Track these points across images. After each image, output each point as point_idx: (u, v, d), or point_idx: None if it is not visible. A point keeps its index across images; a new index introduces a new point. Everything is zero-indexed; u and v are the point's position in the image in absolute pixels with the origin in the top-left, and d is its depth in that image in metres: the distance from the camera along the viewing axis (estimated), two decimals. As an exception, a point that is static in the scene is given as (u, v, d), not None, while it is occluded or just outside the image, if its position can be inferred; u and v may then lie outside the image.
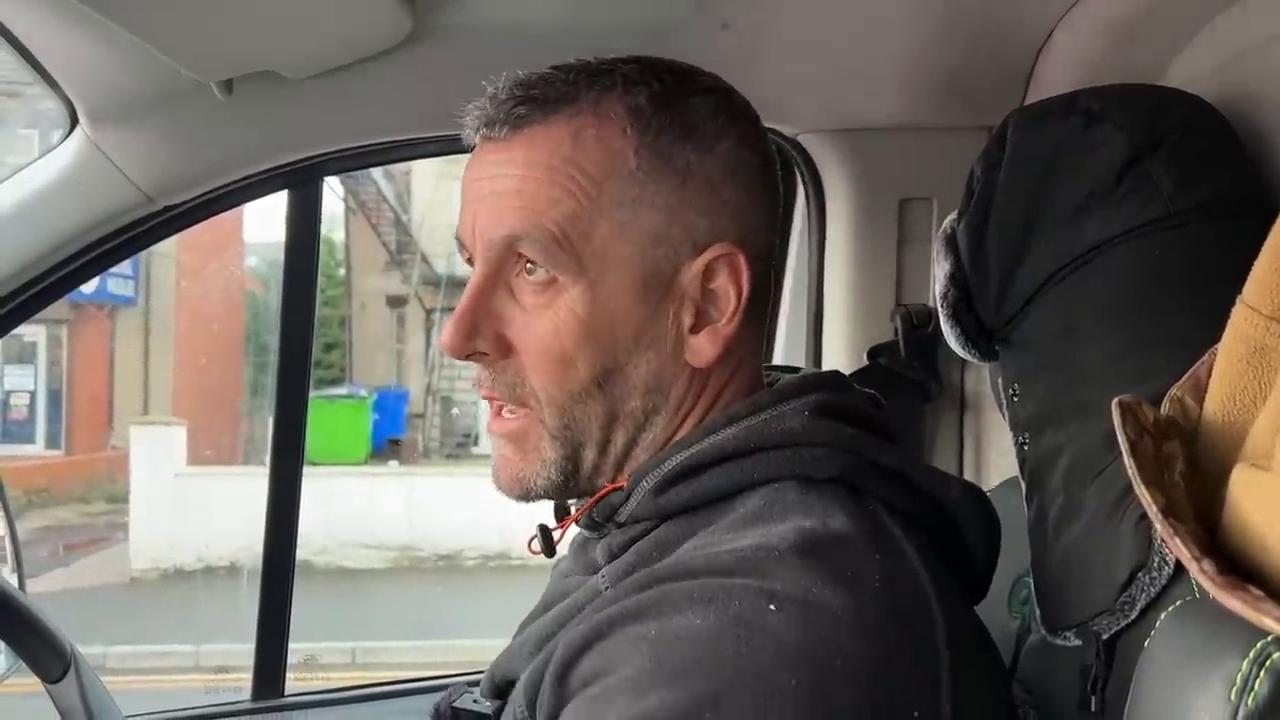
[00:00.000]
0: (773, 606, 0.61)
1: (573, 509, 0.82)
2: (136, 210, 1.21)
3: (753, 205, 0.77)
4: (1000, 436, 1.31)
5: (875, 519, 0.70)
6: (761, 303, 0.79)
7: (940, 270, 1.02)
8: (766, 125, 0.81)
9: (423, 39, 1.14)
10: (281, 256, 1.35)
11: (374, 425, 11.13)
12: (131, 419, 9.99)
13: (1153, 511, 0.65)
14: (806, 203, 1.44)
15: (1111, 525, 0.82)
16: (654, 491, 0.73)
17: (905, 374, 1.35)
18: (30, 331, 10.30)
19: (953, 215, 1.03)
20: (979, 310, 1.00)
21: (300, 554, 1.45)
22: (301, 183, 1.31)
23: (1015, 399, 0.97)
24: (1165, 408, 0.74)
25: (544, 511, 0.85)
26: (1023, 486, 0.97)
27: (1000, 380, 1.01)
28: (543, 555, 0.83)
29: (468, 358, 0.77)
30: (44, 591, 6.64)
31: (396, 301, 12.96)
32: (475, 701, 0.82)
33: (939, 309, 1.03)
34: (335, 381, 11.85)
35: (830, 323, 1.41)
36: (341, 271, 12.67)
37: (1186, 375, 0.75)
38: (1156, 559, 0.77)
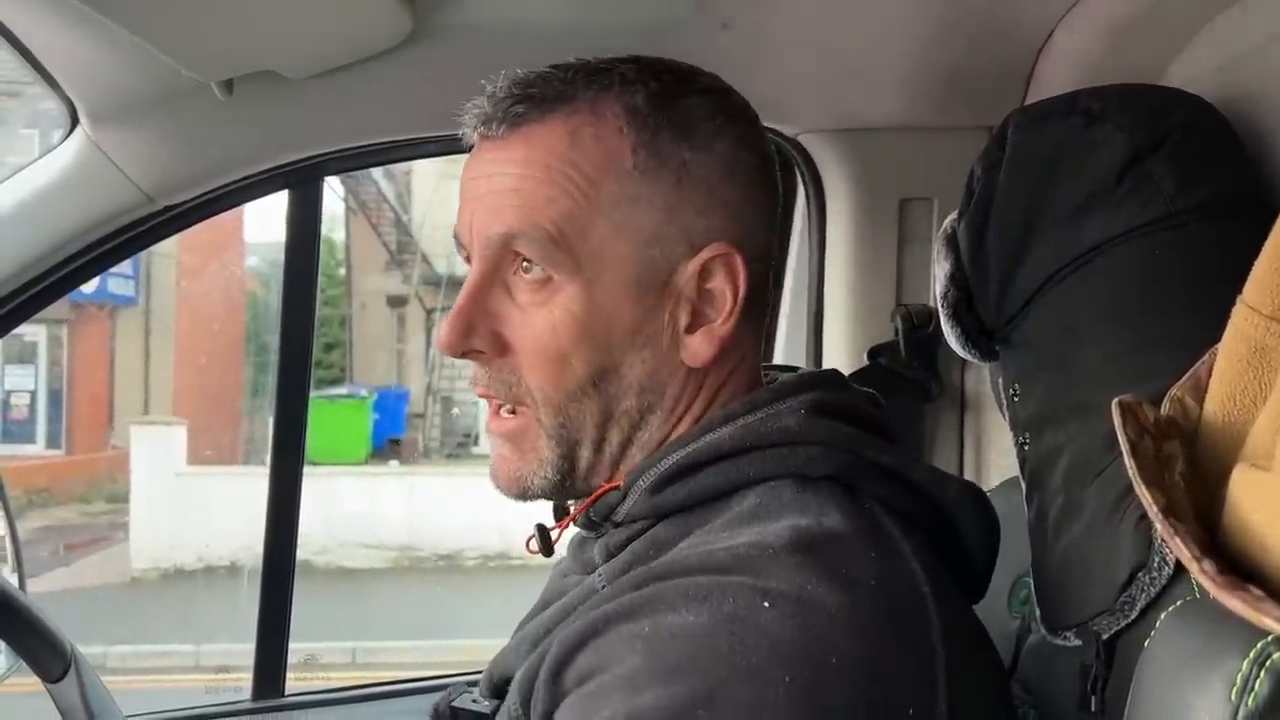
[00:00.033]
0: (767, 604, 0.61)
1: (571, 509, 0.82)
2: (137, 210, 1.21)
3: (750, 205, 0.77)
4: (1000, 436, 1.30)
5: (872, 517, 0.70)
6: (759, 303, 0.79)
7: (940, 270, 1.02)
8: (766, 125, 0.81)
9: (423, 39, 1.14)
10: (282, 256, 1.35)
11: (374, 425, 11.12)
12: (132, 419, 9.99)
13: (1153, 511, 0.65)
14: (807, 203, 1.43)
15: (1112, 525, 0.82)
16: (650, 491, 0.73)
17: (905, 374, 1.35)
18: (31, 331, 10.30)
19: (953, 215, 1.03)
20: (979, 310, 1.00)
21: (300, 554, 1.45)
22: (302, 183, 1.31)
23: (1015, 399, 0.97)
24: (1165, 408, 0.74)
25: (544, 511, 0.85)
26: (1023, 486, 0.96)
27: (1000, 380, 1.01)
28: (541, 555, 0.83)
29: (464, 356, 0.76)
30: (44, 591, 6.64)
31: (397, 301, 12.95)
32: (475, 701, 0.82)
33: (939, 309, 1.03)
34: (336, 381, 11.84)
35: (830, 323, 1.41)
36: (342, 271, 12.67)
37: (1187, 375, 0.75)
38: (1156, 559, 0.77)
